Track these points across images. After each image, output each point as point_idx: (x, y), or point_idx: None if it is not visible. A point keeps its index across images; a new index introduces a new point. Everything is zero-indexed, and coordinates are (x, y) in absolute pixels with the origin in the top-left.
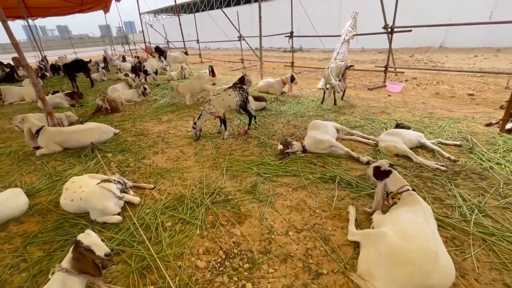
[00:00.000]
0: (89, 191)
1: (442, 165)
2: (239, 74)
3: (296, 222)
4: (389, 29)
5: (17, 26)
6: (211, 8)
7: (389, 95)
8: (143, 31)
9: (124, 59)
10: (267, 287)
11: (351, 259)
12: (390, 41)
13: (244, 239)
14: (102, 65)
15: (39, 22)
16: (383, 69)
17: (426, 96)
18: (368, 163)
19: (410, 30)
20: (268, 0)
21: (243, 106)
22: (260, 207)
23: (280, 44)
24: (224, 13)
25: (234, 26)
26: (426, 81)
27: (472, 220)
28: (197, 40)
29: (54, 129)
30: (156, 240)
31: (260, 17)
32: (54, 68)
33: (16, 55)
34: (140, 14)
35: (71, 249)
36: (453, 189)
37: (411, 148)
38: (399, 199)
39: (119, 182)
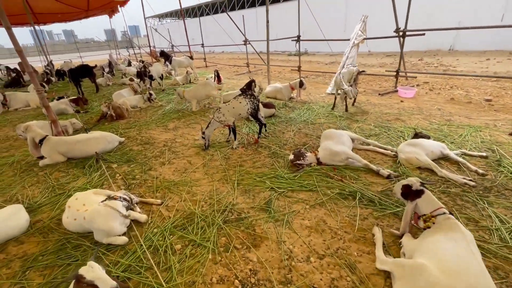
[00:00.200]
0: (93, 210)
1: (471, 180)
2: (244, 78)
3: (317, 245)
4: (401, 33)
5: (24, 31)
6: (216, 12)
7: (401, 101)
8: (147, 35)
9: (129, 64)
10: None
11: None
12: (402, 45)
13: (261, 266)
14: (107, 69)
15: (46, 27)
16: (394, 73)
17: (441, 102)
18: (389, 176)
19: (423, 34)
20: (272, 4)
21: (254, 114)
22: (277, 227)
23: (285, 48)
24: (230, 16)
25: (239, 30)
26: (439, 86)
27: None
28: (202, 44)
29: (57, 139)
30: (165, 265)
31: (267, 21)
32: (60, 73)
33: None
34: (145, 18)
35: (72, 285)
36: (487, 208)
37: (433, 160)
38: (433, 223)
39: (125, 199)
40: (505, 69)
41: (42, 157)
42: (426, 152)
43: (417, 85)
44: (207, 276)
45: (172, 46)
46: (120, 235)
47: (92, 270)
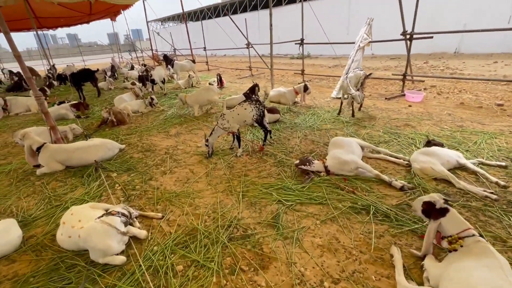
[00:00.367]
0: (89, 227)
1: (492, 193)
2: (247, 82)
3: (331, 268)
4: (408, 36)
5: (29, 35)
6: (218, 15)
7: (409, 106)
8: (150, 39)
9: (132, 68)
10: None
11: None
12: (409, 48)
13: None
14: (109, 73)
15: (50, 30)
16: (401, 77)
17: (451, 107)
18: (402, 188)
19: (432, 37)
20: (274, 7)
21: (260, 121)
22: (286, 246)
23: (287, 51)
24: (232, 20)
25: (242, 33)
26: (447, 90)
27: None
28: (204, 47)
29: (55, 147)
30: None
31: (271, 25)
32: (61, 77)
33: (27, 63)
34: (147, 22)
35: None
36: None
37: (449, 170)
38: (461, 246)
39: (123, 214)
40: None
41: (39, 166)
42: (442, 161)
43: (424, 89)
44: None
45: (174, 49)
46: (118, 254)
47: None
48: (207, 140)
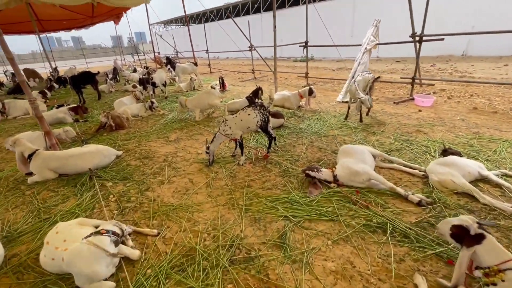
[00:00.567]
0: (74, 250)
1: None
2: (250, 85)
3: None
4: (418, 38)
5: (33, 37)
6: (220, 18)
7: (419, 110)
8: (152, 42)
9: (135, 70)
10: None
11: None
12: (418, 51)
13: None
14: (110, 76)
15: (55, 33)
16: (410, 80)
17: (463, 112)
18: (420, 203)
19: (443, 39)
20: (277, 9)
21: (264, 127)
22: (294, 272)
23: (290, 54)
24: (235, 22)
25: (245, 35)
26: (458, 94)
27: None
28: (207, 50)
29: (48, 154)
30: None
31: (274, 27)
32: (61, 80)
33: (31, 66)
34: (149, 24)
35: None
36: None
37: (470, 182)
38: (502, 280)
39: (114, 233)
40: None
41: (31, 174)
42: (463, 173)
43: (434, 93)
44: None
45: (177, 52)
46: (107, 279)
47: None
48: (208, 148)
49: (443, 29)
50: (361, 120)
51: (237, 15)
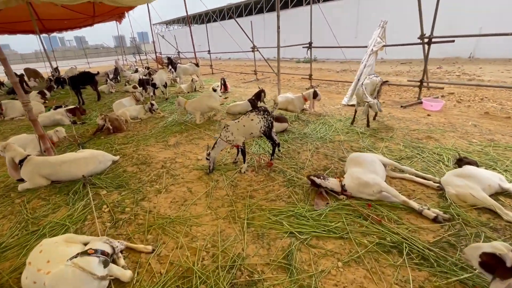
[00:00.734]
0: (58, 273)
1: None
2: (252, 87)
3: None
4: (426, 40)
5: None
6: (223, 18)
7: (428, 115)
8: (153, 42)
9: (136, 71)
10: None
11: None
12: (427, 53)
13: None
14: (111, 76)
15: (58, 33)
16: (418, 83)
17: (474, 117)
18: (436, 219)
19: (453, 41)
20: (280, 10)
21: (268, 133)
22: None
23: (292, 54)
24: (238, 23)
25: (247, 36)
26: (467, 97)
27: None
28: (209, 50)
29: (40, 160)
30: None
31: (278, 27)
32: (59, 81)
33: (33, 66)
34: (151, 25)
35: None
36: None
37: (491, 196)
38: None
39: (103, 253)
40: None
41: (22, 180)
42: (483, 186)
43: (442, 96)
44: None
45: (179, 52)
46: None
47: None
48: (208, 154)
49: (450, 30)
50: (368, 125)
51: (240, 15)
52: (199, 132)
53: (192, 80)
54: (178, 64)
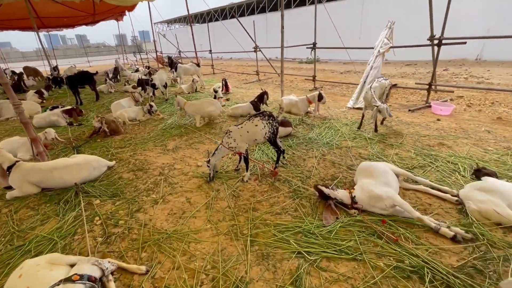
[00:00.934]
0: None
1: None
2: (254, 87)
3: None
4: (436, 41)
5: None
6: (225, 17)
7: (438, 119)
8: (154, 41)
9: (137, 70)
10: None
11: None
12: (436, 55)
13: None
14: (110, 75)
15: (59, 31)
16: (426, 86)
17: (486, 122)
18: (454, 238)
19: (465, 42)
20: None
21: (273, 140)
22: None
23: (294, 55)
24: (240, 22)
25: (250, 36)
26: (477, 101)
27: None
28: (210, 50)
29: (30, 166)
30: None
31: (282, 27)
32: (56, 80)
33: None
34: (152, 24)
35: None
36: None
37: None
38: None
39: (90, 278)
40: None
41: (11, 187)
42: (508, 202)
43: (451, 100)
44: None
45: (179, 52)
46: None
47: None
48: (208, 161)
49: (456, 32)
50: (376, 130)
51: (242, 15)
52: (199, 136)
53: (193, 81)
54: (179, 64)
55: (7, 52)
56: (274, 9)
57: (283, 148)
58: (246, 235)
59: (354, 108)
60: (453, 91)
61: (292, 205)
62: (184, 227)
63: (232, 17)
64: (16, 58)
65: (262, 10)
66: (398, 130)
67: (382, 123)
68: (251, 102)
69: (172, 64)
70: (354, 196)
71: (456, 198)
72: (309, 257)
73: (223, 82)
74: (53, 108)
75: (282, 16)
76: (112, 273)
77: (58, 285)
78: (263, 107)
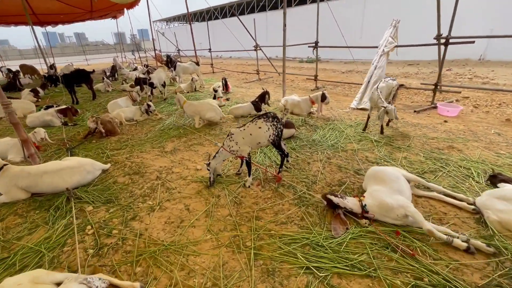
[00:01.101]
0: None
1: None
2: (254, 87)
3: None
4: (444, 40)
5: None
6: (224, 16)
7: (445, 121)
8: (153, 39)
9: (136, 69)
10: None
11: None
12: (443, 54)
13: None
14: (108, 73)
15: (58, 29)
16: (432, 87)
17: (495, 124)
18: (468, 250)
19: (473, 42)
20: (282, 9)
21: (277, 143)
22: None
23: (295, 54)
24: (241, 21)
25: (250, 34)
26: (484, 102)
27: None
28: (209, 49)
29: (18, 170)
30: None
31: (284, 25)
32: (52, 79)
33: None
34: (151, 22)
35: None
36: None
37: None
38: None
39: None
40: None
41: None
42: None
43: (457, 101)
44: None
45: (179, 50)
46: None
47: None
48: (208, 164)
49: (459, 32)
50: (382, 132)
51: (242, 13)
52: (198, 137)
53: (192, 80)
54: (178, 63)
55: (5, 50)
56: (275, 7)
57: (287, 152)
58: (250, 247)
59: (358, 108)
60: (460, 92)
61: (298, 213)
62: (183, 238)
63: (232, 15)
64: (14, 56)
65: (263, 9)
66: (404, 132)
67: (387, 124)
68: (252, 102)
69: (171, 62)
70: (365, 205)
71: (472, 207)
72: (318, 274)
73: (223, 81)
74: (48, 107)
75: (285, 14)
76: None
77: None
78: (264, 108)
